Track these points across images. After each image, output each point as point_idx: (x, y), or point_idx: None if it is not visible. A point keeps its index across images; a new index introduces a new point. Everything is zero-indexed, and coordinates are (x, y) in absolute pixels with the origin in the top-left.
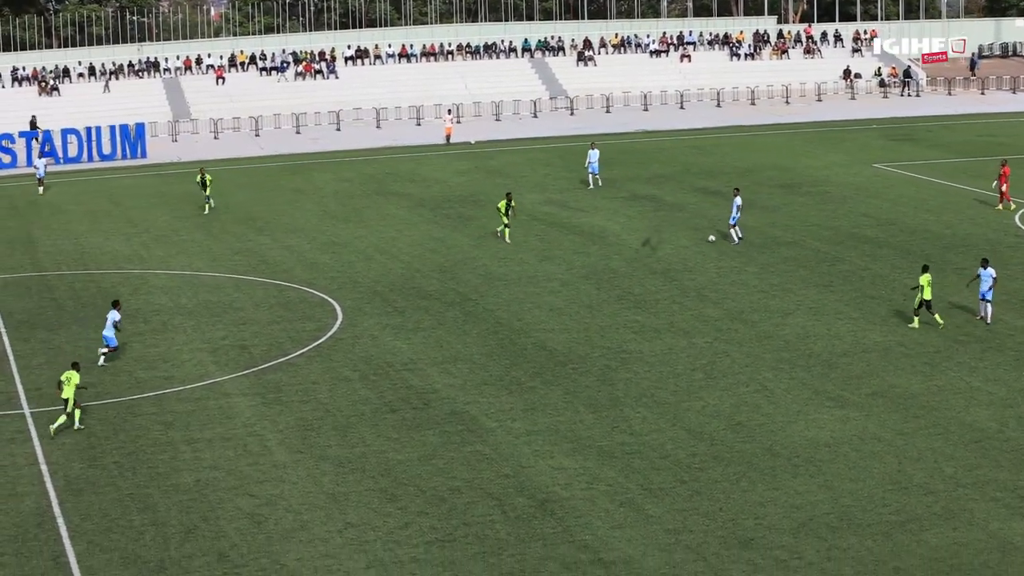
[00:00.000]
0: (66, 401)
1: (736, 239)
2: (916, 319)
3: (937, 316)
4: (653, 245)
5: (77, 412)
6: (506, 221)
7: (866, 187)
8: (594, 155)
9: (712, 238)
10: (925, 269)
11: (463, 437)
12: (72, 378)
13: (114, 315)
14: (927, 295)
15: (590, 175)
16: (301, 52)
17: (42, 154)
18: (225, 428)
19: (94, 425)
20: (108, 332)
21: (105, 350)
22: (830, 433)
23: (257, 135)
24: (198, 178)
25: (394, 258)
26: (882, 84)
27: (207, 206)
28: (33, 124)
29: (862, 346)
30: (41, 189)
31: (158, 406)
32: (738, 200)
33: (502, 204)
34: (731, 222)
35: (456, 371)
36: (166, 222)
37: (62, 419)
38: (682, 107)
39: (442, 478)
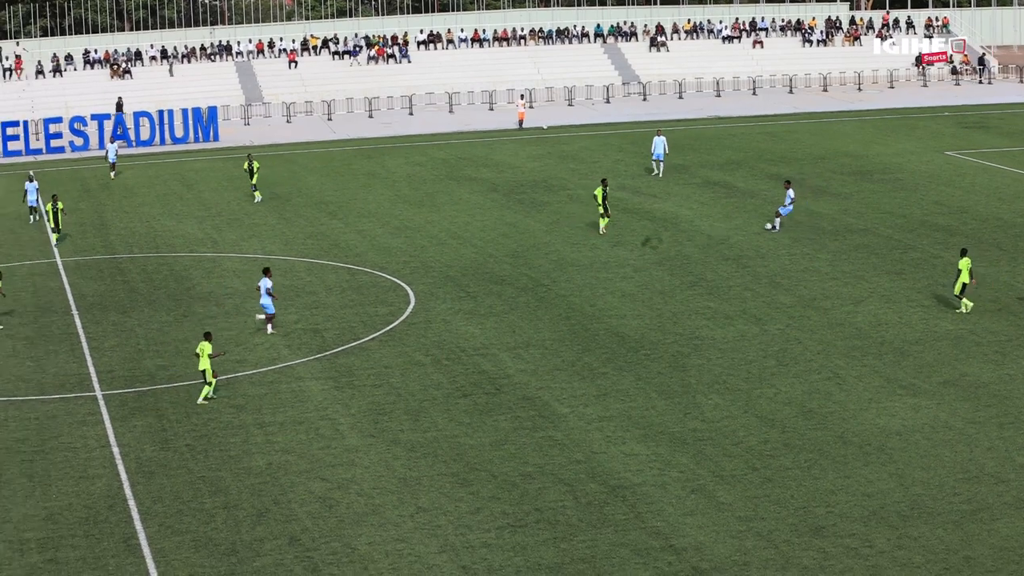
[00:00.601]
0: (204, 372)
1: (775, 227)
2: (963, 302)
3: (966, 301)
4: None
5: (207, 388)
6: (601, 211)
7: (938, 175)
8: (659, 142)
9: (769, 226)
10: (964, 253)
11: (535, 422)
12: (205, 348)
13: (266, 282)
14: (965, 279)
15: (654, 162)
16: (374, 36)
17: (114, 138)
18: (297, 412)
19: (166, 408)
20: (264, 300)
21: (262, 316)
22: (901, 421)
23: (329, 119)
24: (245, 165)
25: (466, 243)
26: (954, 72)
27: (255, 195)
28: (119, 106)
29: (934, 334)
30: (113, 174)
31: (230, 389)
32: (791, 193)
33: (598, 192)
34: (782, 212)
35: (528, 356)
36: (239, 205)
37: (206, 389)
38: (754, 93)
39: (514, 463)
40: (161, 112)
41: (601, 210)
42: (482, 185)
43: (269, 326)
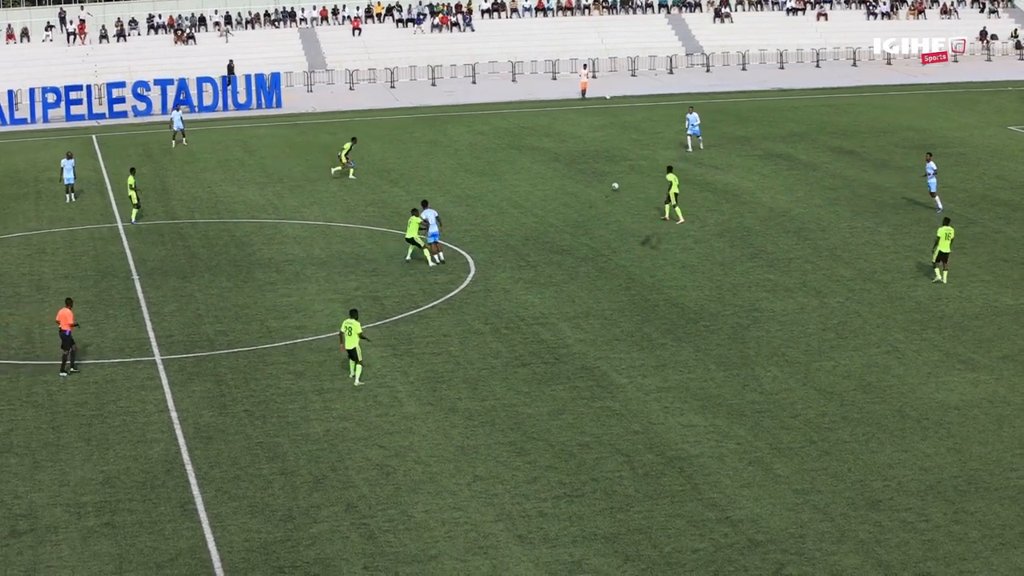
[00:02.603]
0: (352, 351)
1: (939, 207)
2: (937, 271)
3: (939, 271)
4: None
5: (359, 367)
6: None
7: (1001, 149)
8: (693, 118)
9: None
10: (946, 222)
11: (593, 392)
12: (354, 327)
13: (431, 212)
14: (944, 247)
15: (689, 137)
16: (437, 4)
17: (177, 104)
18: None
19: (225, 373)
20: (435, 228)
21: (432, 262)
22: (960, 396)
23: (392, 87)
24: (347, 146)
25: (527, 212)
26: (1018, 46)
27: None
28: (231, 69)
29: (993, 309)
30: (174, 143)
31: (289, 355)
32: (931, 165)
33: (673, 179)
34: (931, 189)
35: (587, 326)
36: (300, 172)
37: (360, 369)
38: (818, 65)
39: (571, 433)
40: (224, 78)
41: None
42: (544, 155)
43: (435, 260)
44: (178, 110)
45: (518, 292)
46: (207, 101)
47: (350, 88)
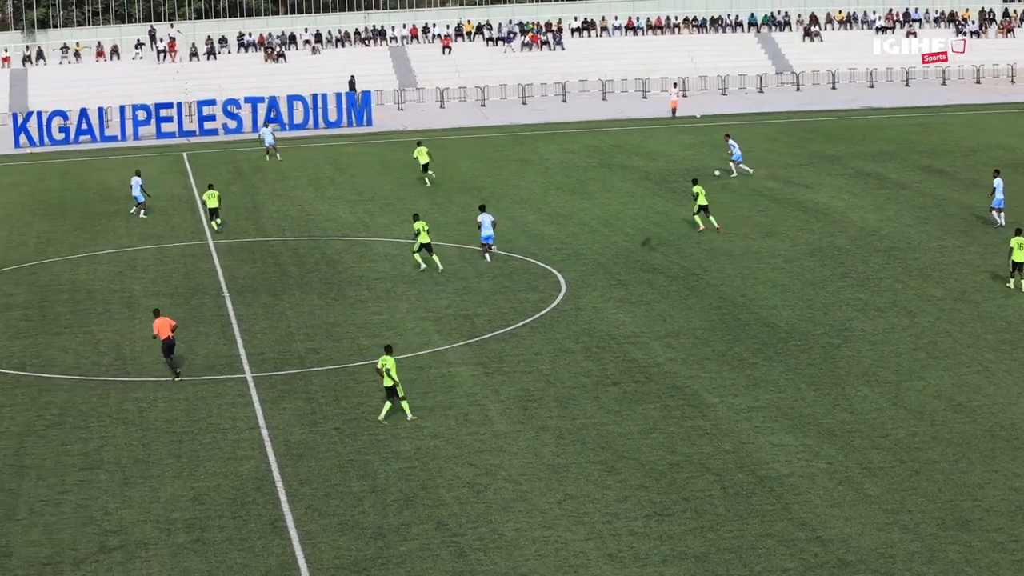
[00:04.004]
0: (392, 388)
1: (998, 223)
2: (1012, 282)
3: (1013, 282)
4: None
5: (405, 403)
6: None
7: None
8: (734, 145)
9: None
10: (1018, 232)
11: (684, 411)
12: (387, 363)
13: (487, 216)
14: (1017, 257)
15: (732, 164)
16: (528, 23)
17: (267, 121)
18: (446, 397)
19: (316, 391)
20: (489, 231)
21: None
22: None
23: (483, 105)
24: (415, 154)
25: (618, 231)
26: None
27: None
28: (352, 85)
29: None
30: (267, 158)
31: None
32: (998, 182)
33: (700, 191)
34: (994, 204)
35: (678, 345)
36: (391, 190)
37: (406, 404)
38: (907, 84)
39: (662, 452)
40: (315, 96)
41: (699, 209)
42: (635, 173)
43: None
44: (268, 126)
45: (609, 311)
46: (297, 119)
47: (440, 106)
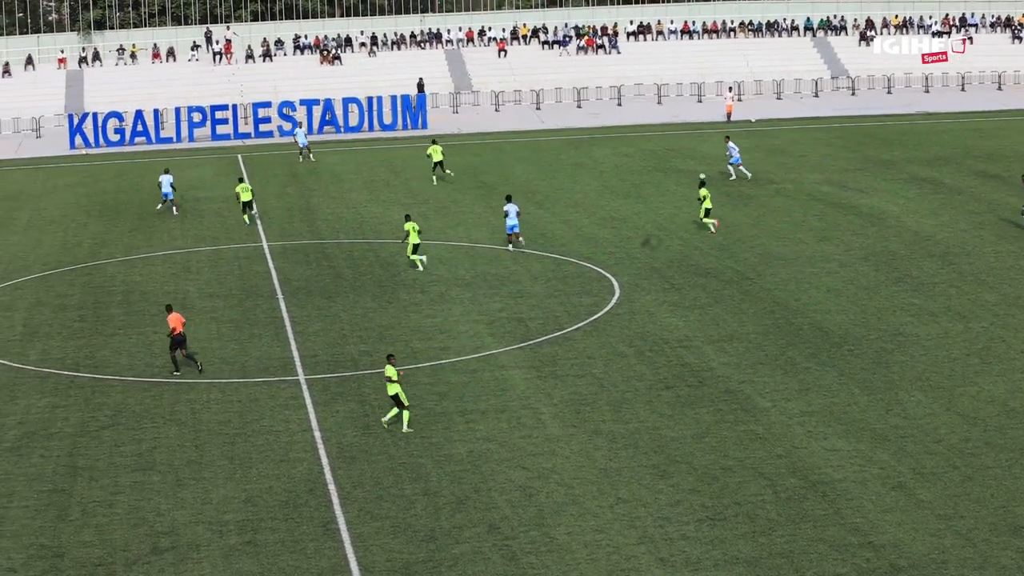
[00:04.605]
0: (397, 396)
1: None
2: None
3: None
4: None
5: (407, 413)
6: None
7: None
8: (733, 148)
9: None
10: None
11: (737, 416)
12: (389, 374)
13: (513, 207)
14: None
15: (730, 166)
16: (584, 26)
17: (298, 122)
18: (499, 400)
19: (369, 394)
20: (514, 220)
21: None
22: None
23: (538, 108)
24: (429, 152)
25: (672, 235)
26: None
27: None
28: (420, 87)
29: None
30: (300, 159)
31: (433, 376)
32: None
33: (706, 194)
34: None
35: (731, 350)
36: (446, 193)
37: (407, 415)
38: (963, 89)
39: (714, 456)
40: (370, 99)
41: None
42: (689, 177)
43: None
44: (300, 127)
45: (662, 315)
46: (352, 122)
47: (496, 109)
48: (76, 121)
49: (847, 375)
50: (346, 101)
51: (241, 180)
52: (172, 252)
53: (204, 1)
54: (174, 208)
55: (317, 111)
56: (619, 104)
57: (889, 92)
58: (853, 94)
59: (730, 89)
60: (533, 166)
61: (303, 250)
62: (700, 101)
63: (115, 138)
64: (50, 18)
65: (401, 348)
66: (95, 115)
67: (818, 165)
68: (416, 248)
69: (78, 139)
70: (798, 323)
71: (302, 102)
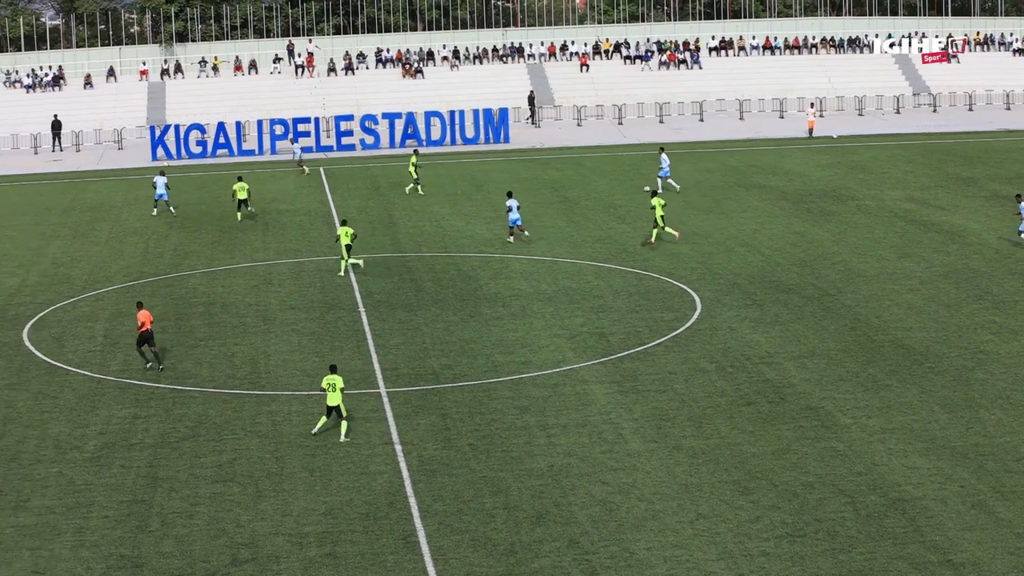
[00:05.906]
0: (336, 408)
1: None
2: None
3: None
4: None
5: (345, 424)
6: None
7: None
8: (665, 160)
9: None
10: None
11: (817, 432)
12: (337, 383)
13: (514, 201)
14: None
15: (660, 179)
16: (665, 41)
17: (297, 137)
18: (580, 415)
19: (450, 407)
20: (516, 215)
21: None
22: None
23: (620, 123)
24: (413, 161)
25: (754, 250)
26: None
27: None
28: (531, 99)
29: None
30: (305, 171)
31: (514, 391)
32: None
33: (657, 203)
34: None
35: (813, 366)
36: (527, 208)
37: (344, 425)
38: None
39: (795, 473)
40: (452, 113)
41: (658, 222)
42: (771, 193)
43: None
44: (298, 141)
45: (744, 331)
46: (435, 135)
47: (578, 124)
48: (158, 133)
49: (928, 392)
50: (428, 115)
51: (239, 179)
52: (254, 264)
53: (286, 14)
54: (171, 208)
55: (399, 124)
56: (701, 120)
57: (971, 109)
58: (935, 111)
59: (812, 105)
60: (614, 181)
61: (385, 263)
62: (782, 117)
63: (197, 150)
64: (132, 30)
65: (483, 362)
66: (177, 127)
67: (900, 182)
68: (349, 249)
69: (160, 151)
70: (879, 340)
71: (384, 115)
